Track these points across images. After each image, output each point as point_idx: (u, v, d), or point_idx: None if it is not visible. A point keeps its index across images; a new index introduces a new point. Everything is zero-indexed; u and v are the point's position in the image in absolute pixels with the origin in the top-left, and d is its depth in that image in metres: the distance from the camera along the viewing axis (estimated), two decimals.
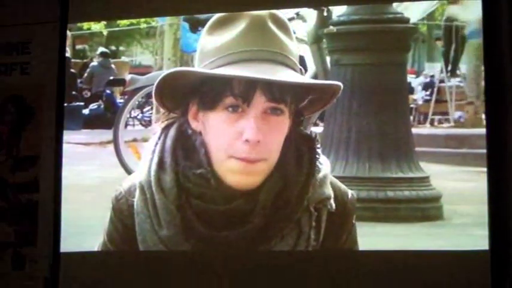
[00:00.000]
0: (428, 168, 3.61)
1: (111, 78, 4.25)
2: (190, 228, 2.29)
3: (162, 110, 2.36)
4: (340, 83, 2.34)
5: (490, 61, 2.99)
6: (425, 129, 4.18)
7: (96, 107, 4.26)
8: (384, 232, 3.32)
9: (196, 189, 2.28)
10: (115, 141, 3.92)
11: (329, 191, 2.33)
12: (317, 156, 2.32)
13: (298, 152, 2.31)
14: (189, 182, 2.28)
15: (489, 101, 2.99)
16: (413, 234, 3.29)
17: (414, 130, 3.83)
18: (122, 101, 4.17)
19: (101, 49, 4.38)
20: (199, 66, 2.28)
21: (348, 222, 2.41)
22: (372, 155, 3.62)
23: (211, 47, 2.26)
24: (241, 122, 2.19)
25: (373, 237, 3.24)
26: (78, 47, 4.38)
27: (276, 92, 2.19)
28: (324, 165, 2.34)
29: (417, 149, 3.65)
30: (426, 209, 3.48)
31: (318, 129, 3.88)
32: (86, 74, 4.33)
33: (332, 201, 2.32)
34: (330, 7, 3.89)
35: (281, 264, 2.83)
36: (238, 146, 2.20)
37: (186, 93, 2.27)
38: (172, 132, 2.32)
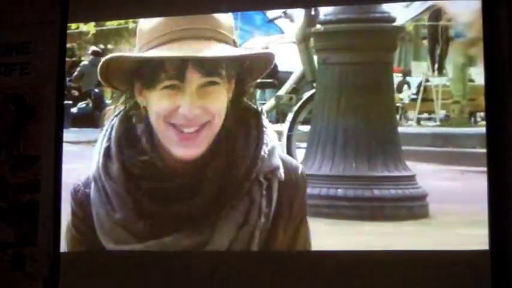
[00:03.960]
0: (415, 167, 3.62)
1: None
2: (142, 207, 2.44)
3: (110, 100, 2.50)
4: (271, 52, 2.51)
5: (490, 60, 2.99)
6: (411, 128, 4.20)
7: (84, 105, 4.26)
8: (370, 231, 3.34)
9: (143, 172, 2.44)
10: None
11: (277, 161, 2.45)
12: (264, 129, 2.45)
13: (245, 125, 2.45)
14: (136, 167, 2.43)
15: (489, 101, 2.99)
16: (400, 233, 3.31)
17: (400, 129, 3.85)
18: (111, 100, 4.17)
19: (93, 48, 4.37)
20: (137, 47, 2.44)
21: (300, 194, 2.53)
22: (359, 153, 3.63)
23: (147, 28, 2.43)
24: (178, 97, 2.37)
25: (359, 235, 3.28)
26: (67, 45, 4.37)
27: (208, 67, 2.34)
28: (271, 137, 2.47)
29: (403, 147, 3.66)
30: (412, 208, 3.49)
31: (305, 128, 3.91)
32: (76, 73, 4.32)
33: (281, 171, 2.44)
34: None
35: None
36: (177, 118, 2.37)
37: (129, 74, 2.43)
38: (116, 123, 2.48)
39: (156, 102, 2.39)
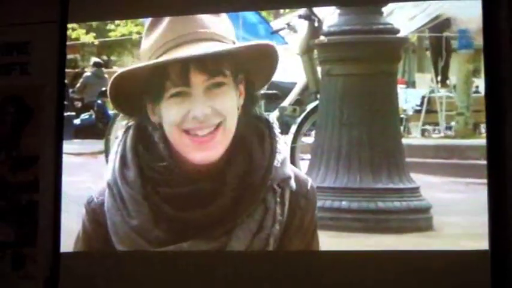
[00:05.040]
0: (419, 179, 3.61)
1: (103, 89, 4.25)
2: (160, 213, 2.43)
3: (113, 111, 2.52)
4: (269, 42, 2.49)
5: (490, 61, 2.99)
6: (415, 140, 4.19)
7: (87, 117, 4.26)
8: (374, 243, 3.34)
9: (161, 177, 2.43)
10: (106, 151, 3.92)
11: (289, 171, 2.47)
12: (277, 138, 2.46)
13: (258, 133, 2.46)
14: (154, 172, 2.43)
15: (489, 108, 2.98)
16: (404, 245, 3.30)
17: (404, 140, 3.84)
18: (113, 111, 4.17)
19: (94, 59, 4.38)
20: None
21: (310, 207, 2.52)
22: (363, 165, 3.62)
23: (147, 46, 2.45)
24: (187, 101, 2.37)
25: (363, 248, 3.26)
26: (70, 56, 4.38)
27: (210, 67, 2.35)
28: (283, 147, 2.49)
29: (407, 159, 3.65)
30: (416, 220, 3.48)
31: (309, 140, 3.90)
32: (78, 84, 4.33)
33: (293, 181, 2.46)
34: (321, 17, 3.90)
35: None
36: (189, 122, 2.37)
37: (138, 94, 2.43)
38: (131, 132, 2.49)
39: (167, 113, 2.39)
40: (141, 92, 2.43)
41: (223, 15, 2.51)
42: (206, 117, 2.36)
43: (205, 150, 2.39)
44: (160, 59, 2.37)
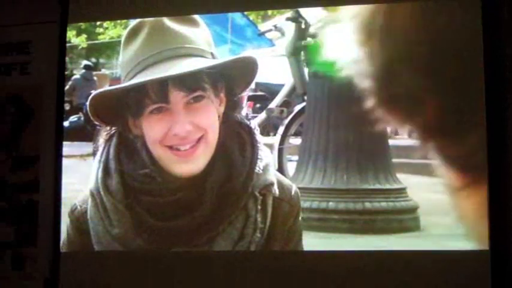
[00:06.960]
0: (405, 179, 3.62)
1: (92, 92, 4.24)
2: (141, 223, 2.46)
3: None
4: (249, 55, 2.52)
5: (490, 61, 2.99)
6: (402, 141, 4.19)
7: (76, 119, 4.26)
8: (361, 244, 3.34)
9: (143, 186, 2.45)
10: (95, 154, 3.91)
11: (272, 177, 2.48)
12: (258, 145, 2.47)
13: (240, 140, 2.46)
14: (136, 181, 2.45)
15: (489, 107, 3.00)
16: (391, 246, 3.31)
17: (391, 141, 3.84)
18: None
19: (85, 62, 4.38)
20: (122, 78, 2.48)
21: (294, 214, 2.54)
22: (350, 166, 3.63)
23: (126, 59, 2.46)
24: (167, 118, 2.38)
25: (350, 249, 3.27)
26: None
27: (188, 83, 2.35)
28: (265, 153, 2.50)
29: (395, 160, 3.66)
30: (403, 220, 3.49)
31: (296, 141, 3.91)
32: (67, 87, 4.32)
33: (276, 187, 2.47)
34: (308, 19, 3.91)
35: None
36: (171, 139, 2.39)
37: (119, 107, 2.45)
38: (114, 140, 2.50)
39: (148, 129, 2.41)
40: (120, 106, 2.44)
41: (203, 24, 2.50)
42: (187, 133, 2.37)
43: (188, 163, 2.41)
44: (139, 76, 2.38)
